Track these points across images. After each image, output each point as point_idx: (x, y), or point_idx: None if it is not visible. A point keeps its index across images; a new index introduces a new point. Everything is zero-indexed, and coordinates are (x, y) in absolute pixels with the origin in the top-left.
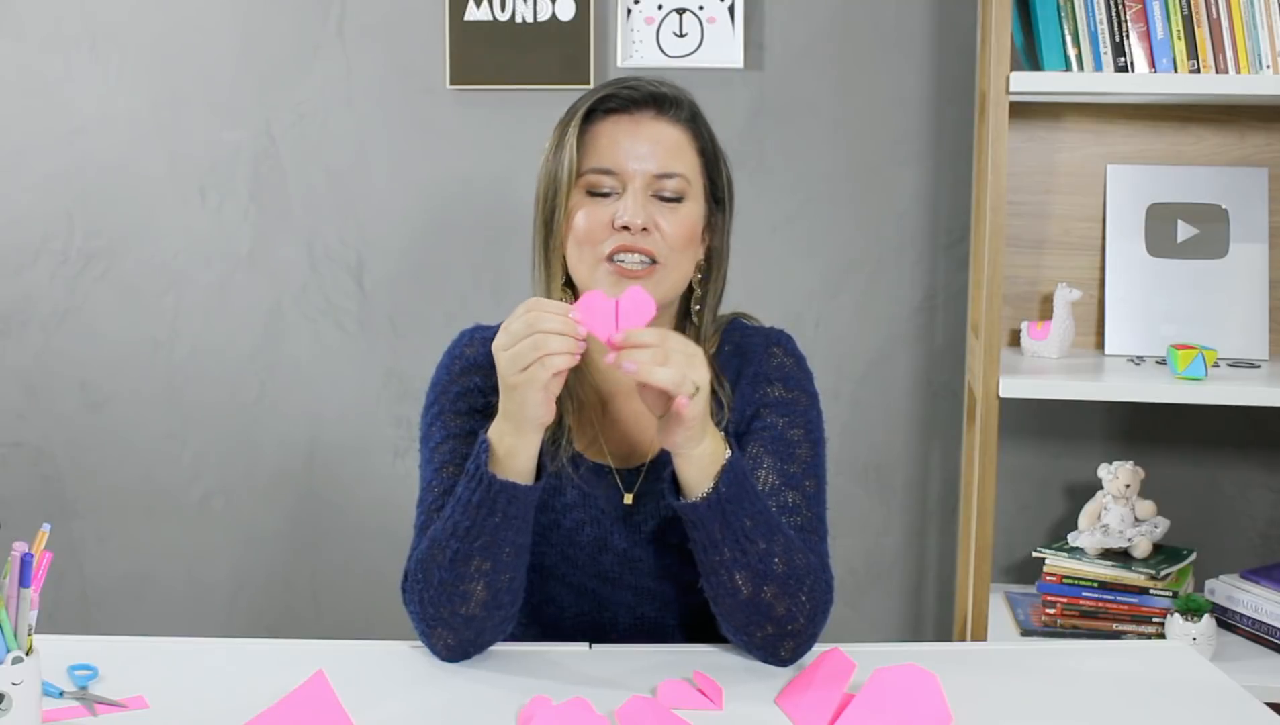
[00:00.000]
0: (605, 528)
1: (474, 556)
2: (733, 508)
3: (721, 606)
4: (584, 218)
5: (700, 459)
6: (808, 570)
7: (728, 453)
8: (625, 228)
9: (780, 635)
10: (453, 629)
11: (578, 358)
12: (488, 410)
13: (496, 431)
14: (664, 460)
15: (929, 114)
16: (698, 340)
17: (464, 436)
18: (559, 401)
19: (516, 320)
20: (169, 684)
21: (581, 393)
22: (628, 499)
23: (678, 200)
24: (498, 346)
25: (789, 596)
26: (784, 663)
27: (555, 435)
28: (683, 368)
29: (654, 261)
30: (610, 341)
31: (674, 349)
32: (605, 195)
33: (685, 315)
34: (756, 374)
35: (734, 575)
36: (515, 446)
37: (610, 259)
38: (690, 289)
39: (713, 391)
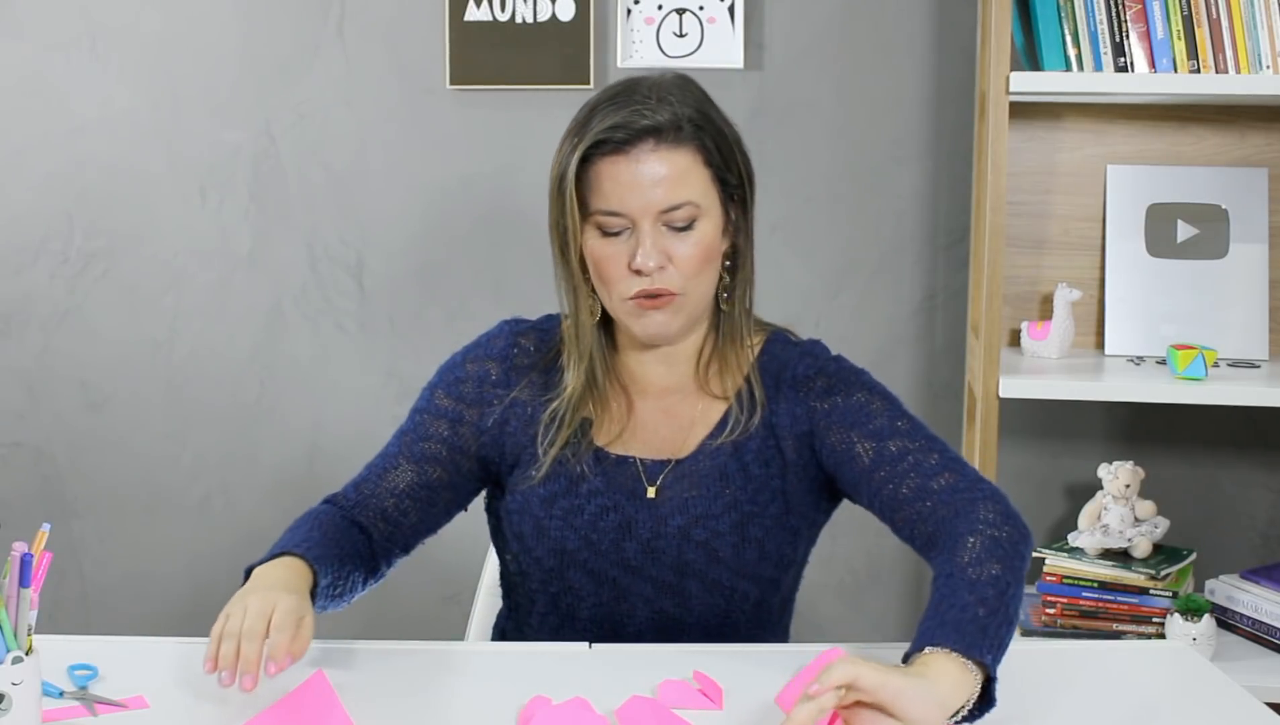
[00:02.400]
0: (629, 515)
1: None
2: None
3: None
4: (601, 261)
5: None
6: (1013, 535)
7: (974, 673)
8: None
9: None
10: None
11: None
12: (483, 401)
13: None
14: (692, 460)
15: (929, 114)
16: (734, 333)
17: (438, 417)
18: (584, 401)
19: (240, 613)
20: (169, 684)
21: (609, 388)
22: (651, 492)
23: (689, 226)
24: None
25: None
26: None
27: (580, 432)
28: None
29: (673, 292)
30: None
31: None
32: (617, 233)
33: (718, 309)
34: (795, 379)
35: None
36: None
37: (632, 296)
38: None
39: (739, 395)
